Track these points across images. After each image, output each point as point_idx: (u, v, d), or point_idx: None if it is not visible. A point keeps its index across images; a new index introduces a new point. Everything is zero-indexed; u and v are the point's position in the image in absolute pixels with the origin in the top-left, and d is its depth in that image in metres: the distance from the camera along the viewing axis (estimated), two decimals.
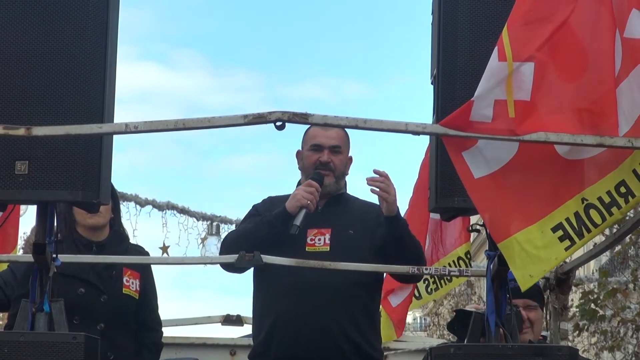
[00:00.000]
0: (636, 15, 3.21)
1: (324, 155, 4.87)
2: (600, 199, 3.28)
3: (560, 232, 3.27)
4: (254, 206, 5.03)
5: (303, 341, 4.68)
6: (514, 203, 3.28)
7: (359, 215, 4.89)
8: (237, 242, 4.79)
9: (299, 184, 4.98)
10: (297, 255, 4.63)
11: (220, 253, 4.92)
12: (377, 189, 4.65)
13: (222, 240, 5.04)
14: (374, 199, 4.93)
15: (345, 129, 4.86)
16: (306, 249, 4.76)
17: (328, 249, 4.76)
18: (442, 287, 6.69)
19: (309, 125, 4.77)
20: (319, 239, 4.80)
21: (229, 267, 4.86)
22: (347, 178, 5.02)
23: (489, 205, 3.29)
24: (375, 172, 4.69)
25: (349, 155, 4.99)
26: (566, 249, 3.28)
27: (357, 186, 4.80)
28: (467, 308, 4.15)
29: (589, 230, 3.28)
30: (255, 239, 4.70)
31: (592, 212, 3.28)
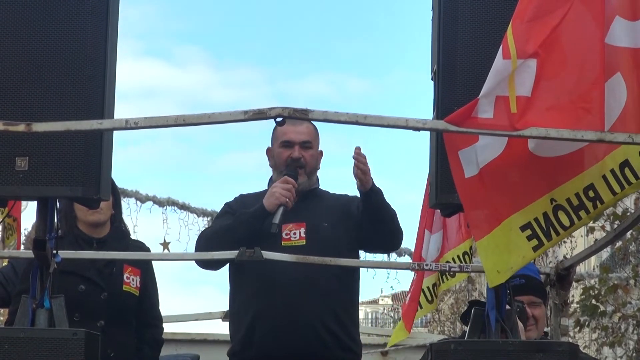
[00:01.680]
0: (619, 22, 3.22)
1: (295, 151, 4.86)
2: (568, 201, 3.30)
3: (528, 232, 3.29)
4: (226, 204, 5.02)
5: (284, 336, 4.67)
6: (493, 201, 3.30)
7: (331, 208, 4.90)
8: (214, 239, 4.78)
9: (271, 181, 4.97)
10: (273, 250, 4.63)
11: (196, 250, 4.92)
12: (361, 165, 4.66)
13: (197, 237, 5.02)
14: (349, 191, 5.00)
15: (314, 124, 4.89)
16: (282, 244, 4.75)
17: (304, 242, 4.77)
18: (444, 282, 6.70)
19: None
20: (294, 233, 4.80)
21: (204, 263, 4.86)
22: (320, 172, 5.04)
23: (474, 204, 3.32)
24: (358, 152, 4.69)
25: (320, 149, 4.99)
26: (534, 248, 3.29)
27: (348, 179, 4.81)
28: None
29: (557, 233, 3.30)
30: (233, 237, 4.69)
31: (561, 214, 3.29)
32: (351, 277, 4.90)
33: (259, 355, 4.73)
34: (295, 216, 4.81)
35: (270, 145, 4.99)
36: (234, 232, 4.74)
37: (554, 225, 3.29)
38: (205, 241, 4.84)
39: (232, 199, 5.05)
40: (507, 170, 3.28)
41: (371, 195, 4.75)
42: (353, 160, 4.70)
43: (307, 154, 4.89)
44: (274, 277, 4.67)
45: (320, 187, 5.03)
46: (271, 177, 5.00)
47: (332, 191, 5.08)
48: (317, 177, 5.02)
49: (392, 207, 4.90)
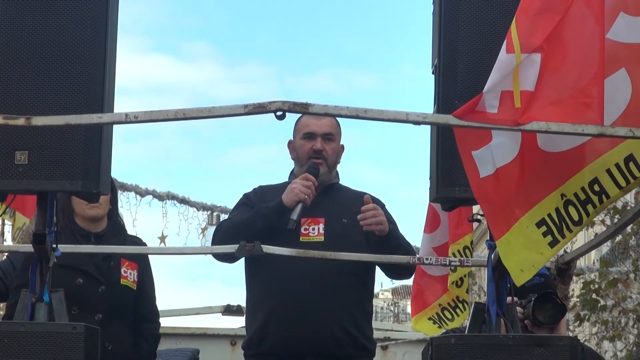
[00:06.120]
0: (624, 18, 3.21)
1: (317, 142, 4.84)
2: (576, 195, 3.29)
3: (544, 228, 3.28)
4: (245, 194, 5.00)
5: (298, 331, 4.66)
6: (508, 199, 3.29)
7: (351, 205, 4.85)
8: (231, 232, 4.76)
9: (292, 173, 4.96)
10: (291, 245, 4.61)
11: (213, 242, 4.90)
12: (371, 224, 4.67)
13: (215, 228, 5.01)
14: (367, 190, 4.98)
15: (337, 119, 4.85)
16: (300, 239, 4.73)
17: (322, 239, 4.75)
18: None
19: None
20: (313, 229, 4.78)
21: (221, 256, 4.84)
22: (339, 167, 5.02)
23: (489, 203, 3.31)
24: (364, 209, 4.69)
25: (341, 144, 4.97)
26: (550, 244, 3.28)
27: (355, 175, 4.80)
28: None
29: (570, 230, 3.30)
30: (251, 230, 4.67)
31: (571, 209, 3.29)
32: (367, 274, 4.88)
33: (273, 349, 4.73)
34: (314, 211, 4.78)
35: (292, 138, 4.97)
36: (252, 226, 4.72)
37: (566, 221, 3.28)
38: (223, 233, 4.82)
39: (250, 189, 5.03)
40: (521, 168, 3.27)
41: (389, 239, 4.75)
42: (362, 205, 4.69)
43: (329, 147, 4.87)
44: (290, 272, 4.66)
45: (340, 182, 5.00)
46: (292, 170, 4.98)
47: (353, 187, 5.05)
48: (337, 171, 5.00)
49: (406, 243, 4.90)
